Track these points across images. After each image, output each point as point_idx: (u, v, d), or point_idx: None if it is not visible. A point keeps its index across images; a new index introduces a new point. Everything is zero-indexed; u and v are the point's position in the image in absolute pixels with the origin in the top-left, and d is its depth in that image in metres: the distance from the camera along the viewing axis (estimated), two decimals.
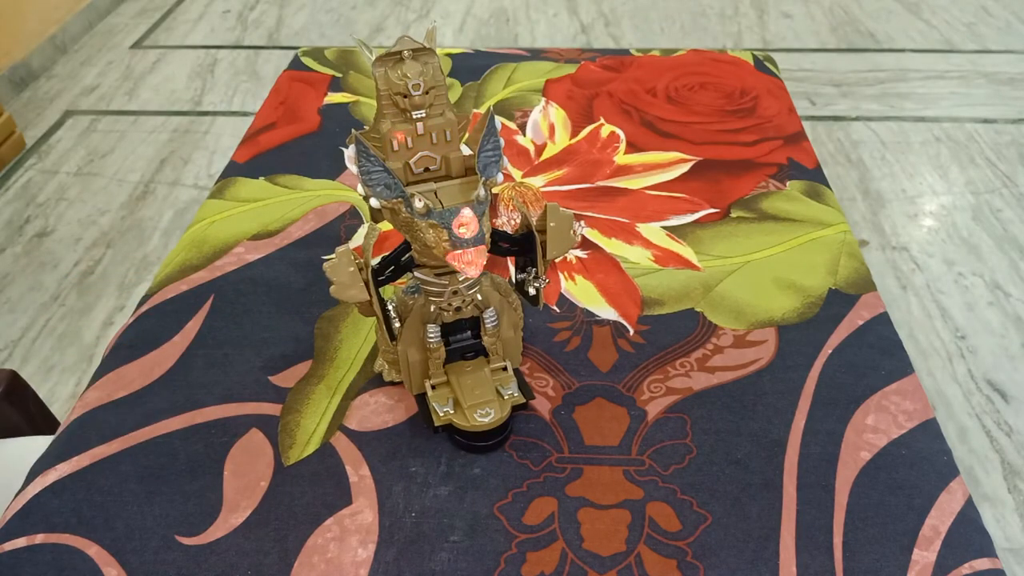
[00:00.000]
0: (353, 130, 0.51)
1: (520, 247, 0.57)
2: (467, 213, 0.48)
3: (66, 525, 0.54)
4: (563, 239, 0.57)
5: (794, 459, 0.57)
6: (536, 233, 0.56)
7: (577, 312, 0.69)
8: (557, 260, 0.69)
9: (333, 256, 0.52)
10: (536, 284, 0.57)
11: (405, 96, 0.51)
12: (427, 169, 0.53)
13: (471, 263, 0.48)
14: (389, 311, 0.56)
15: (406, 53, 0.50)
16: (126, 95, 2.39)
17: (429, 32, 0.51)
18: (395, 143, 0.52)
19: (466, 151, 0.54)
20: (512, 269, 0.64)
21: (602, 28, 2.68)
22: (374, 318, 0.58)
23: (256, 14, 2.85)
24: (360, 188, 0.51)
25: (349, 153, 0.51)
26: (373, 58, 0.51)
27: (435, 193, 0.52)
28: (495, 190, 0.79)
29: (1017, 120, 2.16)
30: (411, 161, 0.53)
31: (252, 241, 0.78)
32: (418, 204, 0.48)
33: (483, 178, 0.50)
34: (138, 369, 0.65)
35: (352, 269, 0.52)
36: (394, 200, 0.50)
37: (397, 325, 0.56)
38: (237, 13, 2.86)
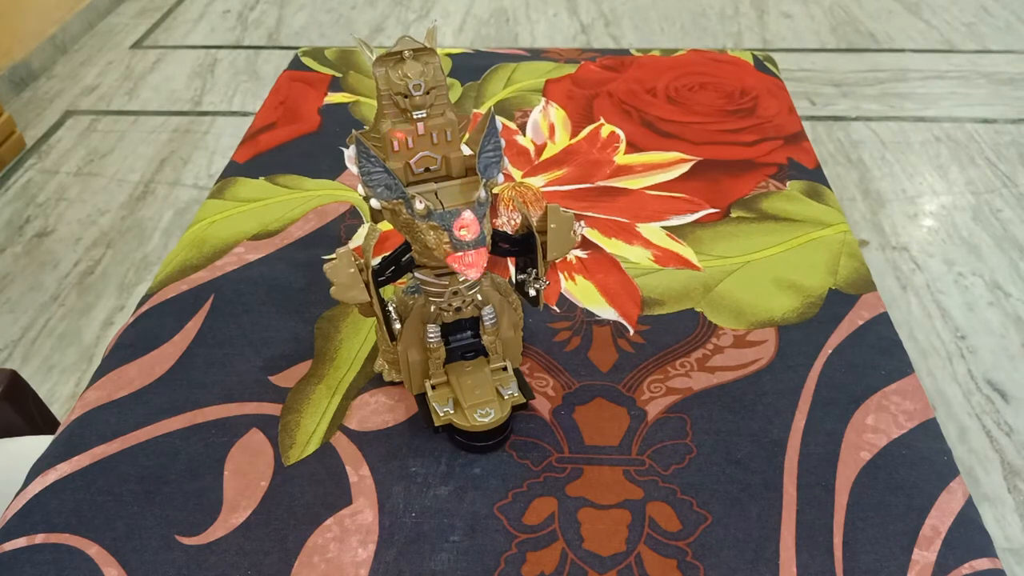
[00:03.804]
0: (354, 130, 0.50)
1: (520, 248, 0.57)
2: (468, 215, 0.47)
3: (66, 525, 0.54)
4: (564, 240, 0.57)
5: (794, 459, 0.57)
6: (536, 234, 0.56)
7: (577, 312, 0.69)
8: (557, 261, 0.69)
9: (334, 257, 0.52)
10: (536, 285, 0.57)
11: (406, 96, 0.50)
12: (427, 169, 0.53)
13: (472, 265, 0.48)
14: (390, 312, 0.56)
15: (407, 53, 0.50)
16: (126, 95, 2.39)
17: (430, 31, 0.51)
18: (395, 143, 0.52)
19: (466, 151, 0.54)
20: (512, 269, 0.64)
21: (602, 28, 2.68)
22: (374, 318, 0.58)
23: (256, 14, 2.85)
24: (360, 188, 0.51)
25: (349, 153, 0.50)
26: (374, 58, 0.50)
27: (435, 194, 0.51)
28: (495, 190, 0.79)
29: (1017, 120, 2.16)
30: (411, 161, 0.53)
31: (252, 241, 0.78)
32: (419, 206, 0.47)
33: (484, 179, 0.50)
34: (138, 369, 0.65)
35: (352, 270, 0.52)
36: (394, 201, 0.49)
37: (397, 326, 0.56)
38: (237, 13, 2.86)
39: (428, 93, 0.51)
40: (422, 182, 0.53)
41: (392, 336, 0.56)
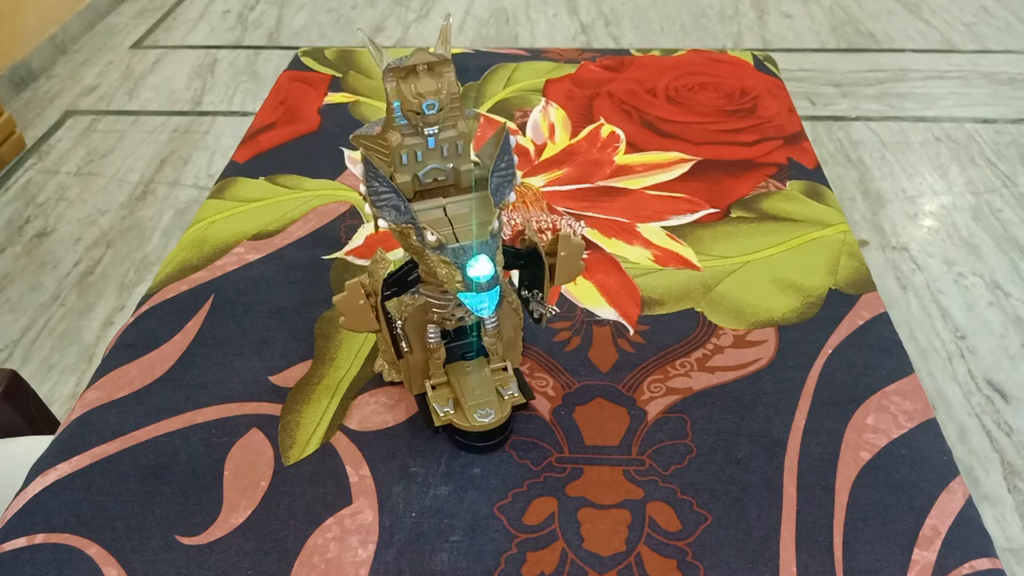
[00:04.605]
0: (362, 141, 0.49)
1: (525, 262, 0.56)
2: (483, 257, 0.46)
3: (66, 525, 0.54)
4: (572, 267, 0.56)
5: (794, 459, 0.57)
6: (544, 257, 0.55)
7: (577, 312, 0.69)
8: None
9: (348, 276, 0.51)
10: (542, 310, 0.57)
11: (418, 113, 0.48)
12: (435, 179, 0.52)
13: (484, 305, 0.46)
14: (398, 334, 0.55)
15: (421, 67, 0.47)
16: (126, 95, 2.39)
17: (444, 29, 0.49)
18: (404, 157, 0.50)
19: (473, 156, 0.53)
20: (515, 276, 0.63)
21: (602, 28, 2.68)
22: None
23: (256, 14, 2.85)
24: (368, 208, 0.49)
25: (351, 154, 0.50)
26: (383, 61, 0.48)
27: (444, 210, 0.50)
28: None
29: (1017, 120, 2.16)
30: (419, 174, 0.51)
31: (252, 241, 0.78)
32: (430, 238, 0.46)
33: (496, 201, 0.48)
34: (138, 369, 0.65)
35: (362, 302, 0.51)
36: (403, 225, 0.48)
37: (406, 348, 0.56)
38: (237, 13, 2.86)
39: (442, 109, 0.48)
40: (429, 191, 0.52)
41: (399, 354, 0.56)
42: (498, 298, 0.47)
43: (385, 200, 0.48)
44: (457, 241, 0.47)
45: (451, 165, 0.51)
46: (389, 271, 0.53)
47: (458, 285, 0.46)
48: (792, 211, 0.80)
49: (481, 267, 0.45)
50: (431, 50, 0.48)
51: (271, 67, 2.50)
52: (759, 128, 0.92)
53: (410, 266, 0.53)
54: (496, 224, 0.47)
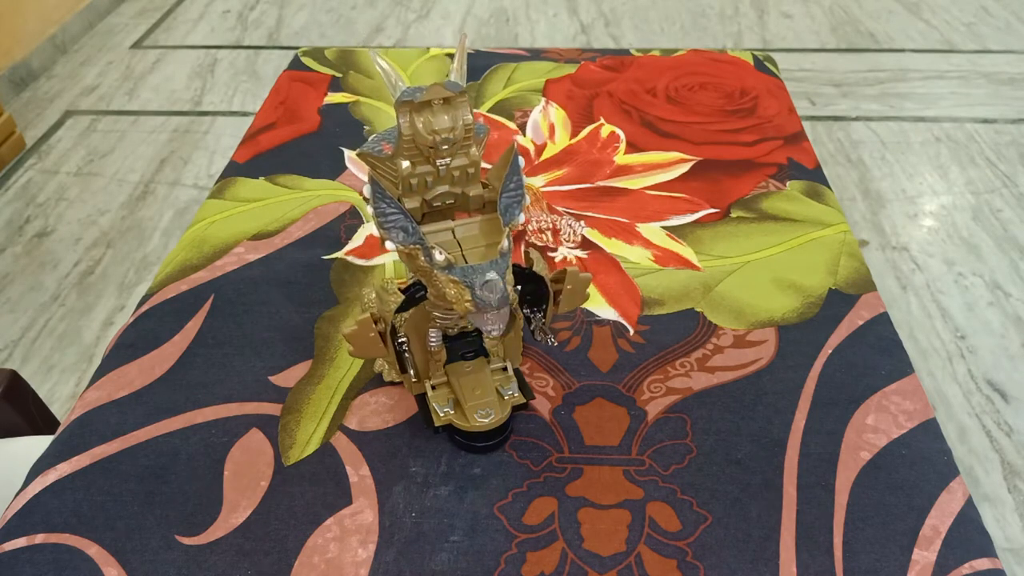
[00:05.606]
0: (369, 160, 0.49)
1: (528, 281, 0.56)
2: (492, 276, 0.45)
3: (66, 525, 0.54)
4: (576, 298, 0.57)
5: (794, 459, 0.57)
6: (550, 285, 0.55)
7: (577, 312, 0.69)
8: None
9: (355, 321, 0.51)
10: (542, 335, 0.56)
11: (432, 147, 0.47)
12: (443, 202, 0.51)
13: (494, 325, 0.46)
14: (405, 357, 0.55)
15: (436, 103, 0.46)
16: (126, 95, 2.39)
17: (460, 49, 0.48)
18: (414, 184, 0.49)
19: (483, 165, 0.52)
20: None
21: (602, 28, 2.68)
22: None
23: (256, 14, 2.85)
24: (375, 229, 0.49)
25: (350, 153, 0.50)
26: (397, 89, 0.47)
27: (452, 232, 0.49)
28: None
29: (1017, 120, 2.16)
30: (428, 198, 0.50)
31: (252, 241, 0.78)
32: (439, 258, 0.45)
33: (505, 222, 0.48)
34: (138, 369, 0.65)
35: (372, 335, 0.51)
36: (411, 246, 0.48)
37: (413, 379, 0.56)
38: (237, 13, 2.86)
39: (455, 143, 0.47)
40: (437, 211, 0.51)
41: (404, 370, 0.56)
42: (508, 317, 0.46)
43: (393, 221, 0.47)
44: (466, 262, 0.47)
45: (460, 190, 0.51)
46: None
47: (467, 305, 0.46)
48: (792, 211, 0.80)
49: (490, 281, 0.45)
50: (443, 51, 0.48)
51: (271, 67, 2.50)
52: (759, 128, 0.92)
53: (416, 287, 0.53)
54: (506, 244, 0.47)
